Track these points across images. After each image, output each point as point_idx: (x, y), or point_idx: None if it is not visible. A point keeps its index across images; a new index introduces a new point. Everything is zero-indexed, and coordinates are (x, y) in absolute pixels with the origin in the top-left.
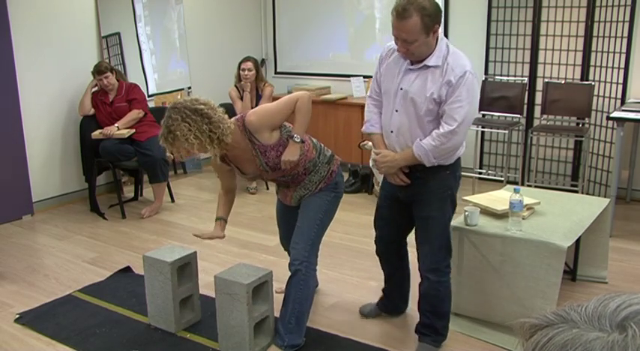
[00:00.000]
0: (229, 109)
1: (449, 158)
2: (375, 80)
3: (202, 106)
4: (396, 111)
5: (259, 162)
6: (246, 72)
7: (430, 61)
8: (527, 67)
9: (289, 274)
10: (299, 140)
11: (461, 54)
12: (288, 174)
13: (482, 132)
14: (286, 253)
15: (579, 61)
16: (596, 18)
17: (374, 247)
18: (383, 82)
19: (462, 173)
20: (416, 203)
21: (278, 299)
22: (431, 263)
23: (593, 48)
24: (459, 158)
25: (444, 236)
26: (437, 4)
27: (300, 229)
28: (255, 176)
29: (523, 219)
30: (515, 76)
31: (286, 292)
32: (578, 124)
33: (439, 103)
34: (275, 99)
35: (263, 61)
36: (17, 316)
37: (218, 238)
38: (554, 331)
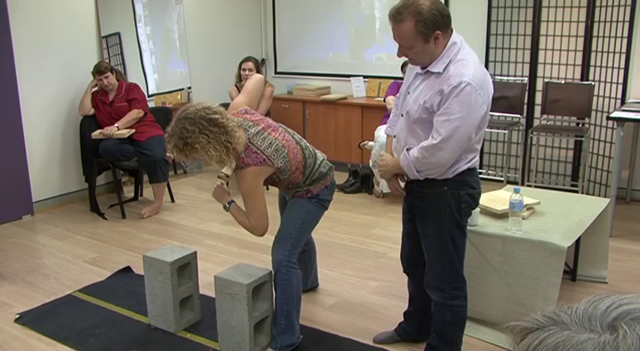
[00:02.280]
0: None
1: (441, 173)
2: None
3: (217, 116)
4: (402, 115)
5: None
6: (246, 72)
7: (434, 68)
8: (527, 67)
9: None
10: (226, 207)
11: (468, 62)
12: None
13: None
14: None
15: (579, 61)
16: (596, 18)
17: (374, 247)
18: (404, 85)
19: None
20: (416, 217)
21: None
22: (433, 281)
23: (593, 48)
24: (465, 176)
25: (444, 257)
26: (438, 10)
27: (282, 228)
28: None
29: (523, 219)
30: (515, 76)
31: (274, 293)
32: (578, 124)
33: (432, 113)
34: (275, 99)
35: (263, 61)
36: (17, 316)
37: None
38: (545, 333)
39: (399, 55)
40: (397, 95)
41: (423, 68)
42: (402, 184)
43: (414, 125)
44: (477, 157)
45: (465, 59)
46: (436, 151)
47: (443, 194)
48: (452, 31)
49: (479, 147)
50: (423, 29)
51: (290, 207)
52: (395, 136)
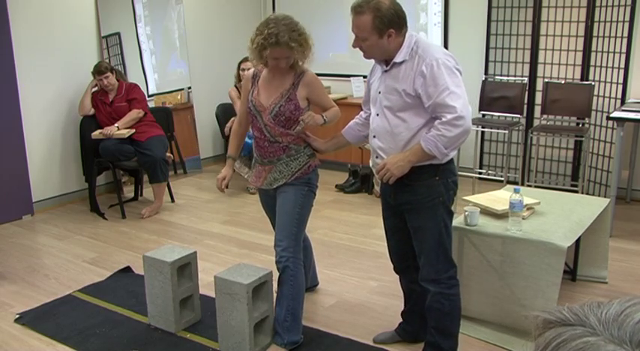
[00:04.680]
0: (229, 109)
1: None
2: (366, 92)
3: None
4: (377, 115)
5: (279, 101)
6: (245, 72)
7: (398, 58)
8: (527, 67)
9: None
10: (325, 119)
11: (434, 46)
12: (276, 135)
13: (483, 132)
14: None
15: (579, 61)
16: (596, 18)
17: (374, 247)
18: (370, 90)
19: (462, 173)
20: (407, 213)
21: None
22: (428, 274)
23: (593, 48)
24: (449, 164)
25: (440, 246)
26: (396, 10)
27: (281, 226)
28: (255, 112)
29: (523, 219)
30: (515, 76)
31: (278, 291)
32: (578, 124)
33: (415, 97)
34: None
35: None
36: (17, 316)
37: (228, 176)
38: (568, 332)
39: (354, 45)
40: (364, 100)
41: (387, 64)
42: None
43: (398, 113)
44: None
45: (430, 44)
46: (460, 122)
47: (435, 184)
48: (406, 29)
49: None
50: (379, 24)
51: (283, 203)
52: (375, 137)
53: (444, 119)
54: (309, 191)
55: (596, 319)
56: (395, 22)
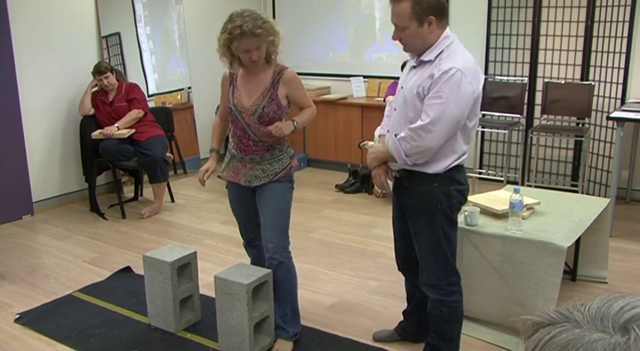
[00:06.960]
0: None
1: (428, 162)
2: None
3: None
4: (395, 109)
5: (260, 102)
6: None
7: (426, 57)
8: (527, 67)
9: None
10: (295, 126)
11: (460, 53)
12: (260, 135)
13: (483, 132)
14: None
15: (579, 61)
16: (596, 18)
17: (374, 247)
18: (399, 83)
19: None
20: (408, 216)
21: None
22: (427, 279)
23: (593, 48)
24: (452, 172)
25: (438, 253)
26: None
27: (270, 222)
28: (236, 113)
29: (523, 219)
30: (515, 76)
31: (275, 287)
32: (578, 124)
33: (423, 98)
34: None
35: None
36: (17, 316)
37: (211, 168)
38: (556, 329)
39: (394, 37)
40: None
41: (417, 59)
42: (391, 184)
43: (412, 113)
44: (467, 155)
45: (458, 50)
46: (425, 134)
47: (433, 190)
48: (447, 24)
49: (470, 143)
50: (418, 10)
51: (270, 199)
52: (388, 131)
53: (414, 125)
54: (291, 188)
55: (581, 315)
56: (435, 8)
